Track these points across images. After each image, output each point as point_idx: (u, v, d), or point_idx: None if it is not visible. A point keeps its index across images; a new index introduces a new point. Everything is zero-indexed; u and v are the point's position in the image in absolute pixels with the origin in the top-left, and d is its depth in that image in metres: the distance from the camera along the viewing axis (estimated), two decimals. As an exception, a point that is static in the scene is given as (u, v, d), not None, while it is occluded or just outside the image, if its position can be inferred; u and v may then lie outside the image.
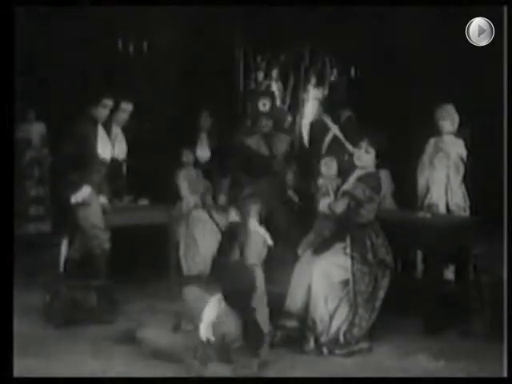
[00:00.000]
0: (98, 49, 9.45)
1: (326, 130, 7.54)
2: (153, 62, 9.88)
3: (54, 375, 4.81)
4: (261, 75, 11.21)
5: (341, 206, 5.61)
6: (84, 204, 6.35)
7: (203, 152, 7.85)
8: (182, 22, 9.47)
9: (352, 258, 5.54)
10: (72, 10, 7.13)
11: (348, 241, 5.59)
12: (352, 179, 5.72)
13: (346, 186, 5.72)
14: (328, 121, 7.56)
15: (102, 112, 6.61)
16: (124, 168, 7.32)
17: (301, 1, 7.41)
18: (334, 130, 7.49)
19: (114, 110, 7.01)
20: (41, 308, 6.06)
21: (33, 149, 9.11)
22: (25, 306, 5.92)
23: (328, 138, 7.48)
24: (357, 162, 5.75)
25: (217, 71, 9.91)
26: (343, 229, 5.62)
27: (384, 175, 6.44)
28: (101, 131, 6.67)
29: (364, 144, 5.71)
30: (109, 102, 6.64)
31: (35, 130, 9.10)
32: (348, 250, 5.57)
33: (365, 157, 5.71)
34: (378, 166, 5.81)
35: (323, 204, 5.76)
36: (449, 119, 6.87)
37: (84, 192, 6.34)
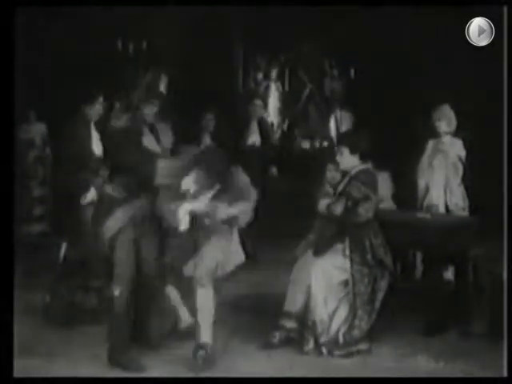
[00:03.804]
0: (98, 49, 9.47)
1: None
2: (152, 62, 9.90)
3: (54, 375, 4.81)
4: (260, 75, 11.24)
5: (339, 207, 5.60)
6: (89, 204, 6.35)
7: None
8: (182, 22, 9.49)
9: (351, 259, 5.53)
10: (72, 9, 7.14)
11: (347, 242, 5.58)
12: (346, 179, 5.70)
13: (342, 187, 5.71)
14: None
15: (97, 111, 6.64)
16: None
17: (301, 1, 7.41)
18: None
19: (110, 110, 7.03)
20: (41, 308, 6.06)
21: (35, 149, 9.10)
22: (25, 306, 5.92)
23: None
24: (341, 167, 5.72)
25: (216, 71, 9.93)
26: (342, 230, 5.61)
27: (384, 178, 6.41)
28: (93, 130, 6.68)
29: (344, 149, 5.65)
30: (104, 101, 6.67)
31: (36, 130, 9.09)
32: (347, 252, 5.55)
33: (347, 160, 5.67)
34: (377, 168, 5.80)
35: (322, 205, 5.74)
36: (445, 119, 6.84)
37: (92, 192, 6.35)
